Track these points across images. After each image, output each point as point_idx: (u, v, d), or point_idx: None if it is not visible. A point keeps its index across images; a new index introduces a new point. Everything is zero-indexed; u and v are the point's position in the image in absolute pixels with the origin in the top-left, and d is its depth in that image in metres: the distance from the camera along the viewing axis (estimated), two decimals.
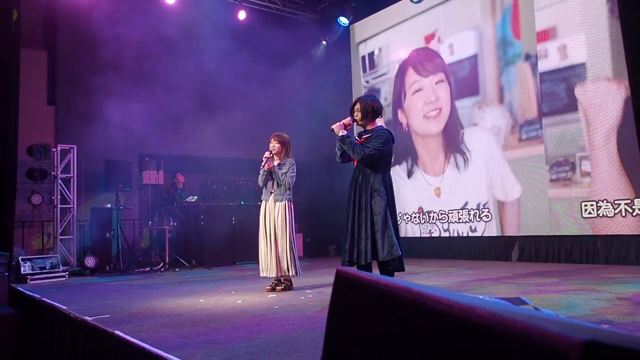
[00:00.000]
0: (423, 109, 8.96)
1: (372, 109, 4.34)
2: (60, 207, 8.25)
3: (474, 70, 8.17)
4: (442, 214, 8.51)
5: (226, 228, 9.09)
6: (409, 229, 9.01)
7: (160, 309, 4.20)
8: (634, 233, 6.25)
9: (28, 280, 6.95)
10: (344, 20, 10.31)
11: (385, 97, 9.67)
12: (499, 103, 7.79)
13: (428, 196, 8.78)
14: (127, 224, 8.79)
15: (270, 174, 5.20)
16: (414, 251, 8.51)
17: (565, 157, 6.98)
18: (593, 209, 6.61)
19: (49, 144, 8.18)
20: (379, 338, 0.89)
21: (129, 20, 8.22)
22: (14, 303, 5.37)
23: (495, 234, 7.78)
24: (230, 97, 9.55)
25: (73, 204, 8.35)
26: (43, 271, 7.20)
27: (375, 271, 4.21)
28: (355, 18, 10.30)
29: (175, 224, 8.65)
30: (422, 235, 8.84)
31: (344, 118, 4.45)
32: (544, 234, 7.17)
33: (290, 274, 5.10)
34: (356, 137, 4.46)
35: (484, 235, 7.91)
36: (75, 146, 8.39)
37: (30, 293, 5.34)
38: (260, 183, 5.28)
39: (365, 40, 10.29)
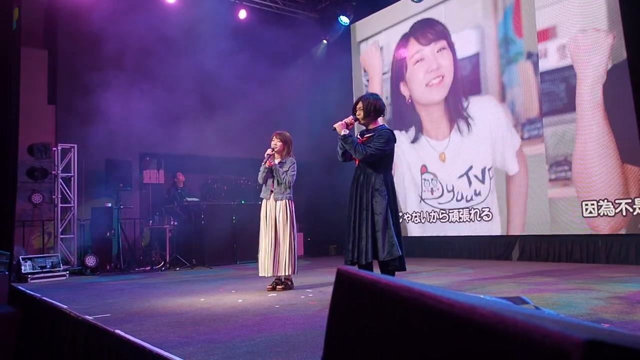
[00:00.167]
0: (425, 77, 8.94)
1: (374, 108, 4.34)
2: (61, 206, 8.26)
3: (475, 68, 8.16)
4: (442, 213, 8.50)
5: (227, 227, 9.09)
6: (410, 228, 9.00)
7: (161, 308, 4.21)
8: (635, 232, 6.25)
9: (29, 280, 6.96)
10: (344, 20, 10.30)
11: (387, 96, 9.66)
12: (501, 101, 7.79)
13: (433, 160, 8.76)
14: (127, 223, 8.79)
15: (271, 172, 5.20)
16: (415, 250, 8.51)
17: (564, 156, 6.98)
18: (594, 208, 6.61)
19: (50, 143, 8.19)
20: (379, 337, 0.89)
21: (130, 20, 8.22)
22: (15, 302, 5.38)
23: (495, 234, 7.77)
24: (231, 97, 9.55)
25: (74, 203, 8.36)
26: (43, 270, 7.21)
27: (376, 270, 4.21)
28: (356, 17, 10.29)
29: (175, 223, 8.65)
30: (423, 235, 8.84)
31: (345, 117, 4.44)
32: (545, 234, 7.16)
33: (288, 273, 5.10)
34: (358, 136, 4.46)
35: (485, 234, 7.91)
36: (75, 145, 8.40)
37: (31, 292, 5.35)
38: (260, 180, 5.27)
39: (366, 39, 10.28)
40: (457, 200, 8.28)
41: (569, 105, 6.94)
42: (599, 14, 6.63)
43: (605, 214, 6.49)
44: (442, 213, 8.52)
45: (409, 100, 9.22)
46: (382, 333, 0.89)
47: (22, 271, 7.03)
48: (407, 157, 9.18)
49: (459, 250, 8.27)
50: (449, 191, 8.44)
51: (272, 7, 10.45)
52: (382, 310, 0.90)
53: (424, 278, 5.78)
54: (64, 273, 7.41)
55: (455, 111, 8.42)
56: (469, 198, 8.14)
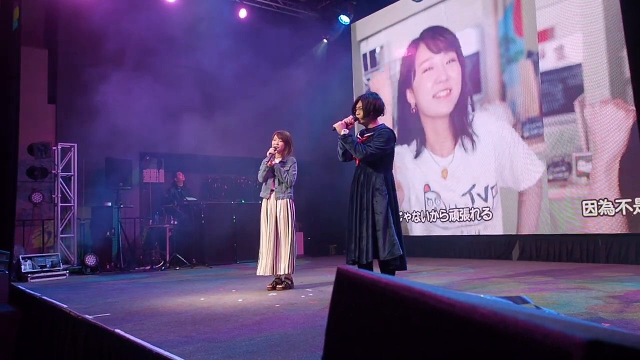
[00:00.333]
0: (433, 88, 8.86)
1: (374, 107, 4.34)
2: (61, 206, 8.26)
3: (475, 67, 8.16)
4: (442, 212, 8.50)
5: (227, 227, 9.09)
6: (412, 228, 9.00)
7: (161, 307, 4.21)
8: (635, 232, 6.25)
9: (28, 279, 6.96)
10: (345, 19, 10.30)
11: (390, 95, 9.67)
12: (501, 100, 7.78)
13: (435, 176, 8.73)
14: (127, 222, 8.79)
15: (272, 171, 5.20)
16: (415, 250, 8.51)
17: (562, 157, 6.99)
18: (594, 208, 6.61)
19: (50, 142, 8.19)
20: (380, 337, 0.89)
21: (130, 19, 8.21)
22: (15, 301, 5.37)
23: (495, 233, 7.77)
24: (231, 96, 9.55)
25: (73, 203, 8.36)
26: (43, 270, 7.21)
27: (377, 270, 4.21)
28: (356, 16, 10.29)
29: (175, 222, 8.65)
30: (424, 235, 8.84)
31: (346, 117, 4.44)
32: (545, 233, 7.16)
33: (286, 272, 5.10)
34: (358, 136, 4.46)
35: (485, 234, 7.91)
36: (75, 144, 8.40)
37: (31, 291, 5.35)
38: (260, 178, 5.27)
39: (366, 38, 10.28)
40: (460, 218, 8.28)
41: (566, 105, 6.95)
42: (598, 14, 6.62)
43: (605, 213, 6.49)
44: (442, 212, 8.52)
45: (414, 109, 9.18)
46: (382, 332, 0.89)
47: (22, 270, 7.03)
48: (409, 172, 9.15)
49: (459, 250, 8.27)
50: (451, 209, 8.42)
51: (273, 6, 10.44)
52: (382, 310, 0.90)
53: (425, 277, 5.78)
54: (64, 272, 7.41)
55: (460, 126, 8.38)
56: (465, 233, 8.19)
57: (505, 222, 7.64)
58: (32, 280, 6.93)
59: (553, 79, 7.11)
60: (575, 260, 6.76)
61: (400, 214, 8.86)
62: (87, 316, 3.65)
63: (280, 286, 5.07)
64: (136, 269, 8.27)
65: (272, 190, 5.21)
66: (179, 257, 8.42)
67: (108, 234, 8.43)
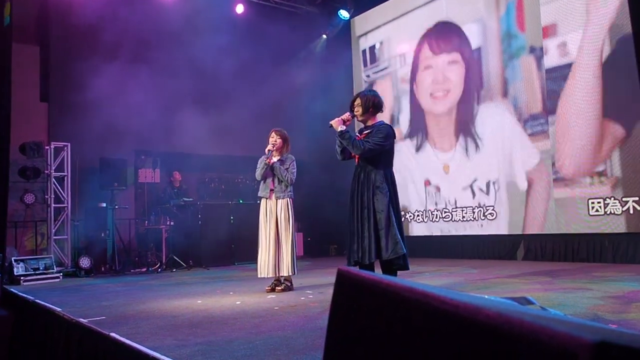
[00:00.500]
0: (430, 87, 8.89)
1: (372, 104, 4.35)
2: (54, 207, 8.25)
3: (477, 63, 8.16)
4: (445, 212, 8.50)
5: (224, 227, 9.09)
6: (413, 228, 9.00)
7: (157, 310, 4.20)
8: None
9: (21, 282, 6.95)
10: (344, 14, 10.29)
11: (390, 91, 9.66)
12: (503, 97, 7.78)
13: (436, 171, 8.74)
14: (122, 223, 8.78)
15: (271, 170, 5.19)
16: (418, 250, 8.50)
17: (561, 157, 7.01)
18: (600, 207, 6.61)
19: (42, 141, 8.18)
20: (381, 339, 0.89)
21: (124, 15, 8.21)
22: (7, 305, 5.37)
23: (499, 233, 7.77)
24: (229, 93, 9.54)
25: (67, 203, 8.35)
26: (36, 272, 7.20)
27: (378, 270, 4.21)
28: (355, 11, 10.29)
29: (172, 223, 8.65)
30: (426, 234, 8.84)
31: (344, 114, 4.45)
32: (550, 232, 7.16)
33: (289, 273, 5.10)
34: (357, 134, 4.47)
35: (489, 233, 7.91)
36: (69, 144, 8.38)
37: (24, 295, 5.34)
38: (259, 177, 5.25)
39: (365, 34, 10.27)
40: (463, 217, 8.29)
41: (566, 103, 6.96)
42: (604, 9, 6.62)
43: (612, 212, 6.49)
44: (445, 212, 8.52)
45: (418, 103, 9.18)
46: (384, 334, 0.88)
47: (15, 273, 7.02)
48: (410, 166, 9.14)
49: (462, 250, 8.27)
50: (451, 204, 8.43)
51: (270, 1, 10.44)
52: (384, 311, 0.90)
53: (427, 278, 5.78)
54: (58, 275, 7.40)
55: (463, 123, 8.37)
56: (468, 233, 8.21)
57: (510, 222, 7.64)
58: (25, 283, 6.93)
59: (558, 76, 7.11)
60: (582, 260, 6.76)
61: (402, 213, 8.96)
62: (81, 320, 3.65)
63: (280, 288, 5.07)
64: (131, 271, 8.26)
65: (271, 190, 5.20)
66: (176, 258, 8.42)
67: (103, 235, 8.42)
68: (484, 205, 7.95)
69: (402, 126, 9.36)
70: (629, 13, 6.20)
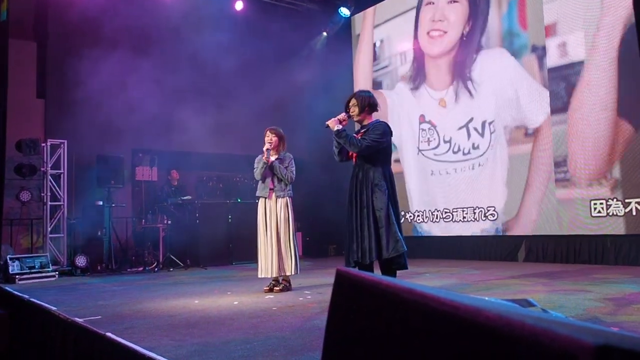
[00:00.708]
0: (428, 24, 8.82)
1: (368, 103, 4.40)
2: (50, 205, 8.24)
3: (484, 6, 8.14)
4: (446, 212, 8.50)
5: (222, 227, 9.09)
6: (413, 228, 9.00)
7: (154, 310, 4.20)
8: None
9: (17, 280, 6.95)
10: (345, 11, 10.28)
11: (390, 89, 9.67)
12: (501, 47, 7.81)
13: (432, 107, 8.73)
14: (119, 222, 8.78)
15: (270, 169, 5.19)
16: (418, 251, 8.50)
17: (563, 157, 7.00)
18: (602, 208, 6.61)
19: (39, 138, 8.16)
20: (380, 340, 0.89)
21: (122, 11, 8.20)
22: (3, 304, 5.37)
23: (501, 233, 7.78)
24: (227, 91, 9.54)
25: (63, 201, 8.35)
26: (32, 271, 7.20)
27: (376, 270, 4.21)
28: (356, 9, 10.28)
29: (169, 222, 8.64)
30: (426, 235, 8.83)
31: (340, 114, 4.48)
32: (552, 234, 7.16)
33: (292, 273, 5.11)
34: (354, 135, 4.48)
35: (490, 234, 7.91)
36: (65, 141, 8.37)
37: (19, 293, 5.34)
38: (258, 176, 5.24)
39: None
40: (454, 152, 8.29)
41: (570, 104, 6.96)
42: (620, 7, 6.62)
43: (615, 213, 6.50)
44: (445, 212, 8.52)
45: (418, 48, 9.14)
46: (383, 335, 0.88)
47: (10, 272, 7.02)
48: (405, 104, 9.15)
49: (464, 251, 8.27)
50: (445, 142, 8.43)
51: None
52: (383, 312, 0.90)
53: (428, 279, 5.78)
54: (53, 274, 7.40)
55: (459, 70, 8.33)
56: (466, 151, 8.18)
57: (511, 223, 7.63)
58: (20, 282, 6.92)
59: (560, 76, 7.11)
60: (584, 262, 6.76)
61: (402, 214, 8.97)
62: (76, 319, 3.65)
63: (278, 288, 5.08)
64: (128, 270, 8.26)
65: (271, 189, 5.20)
66: (173, 258, 8.41)
67: (99, 233, 8.42)
68: (486, 206, 7.93)
69: (402, 127, 9.36)
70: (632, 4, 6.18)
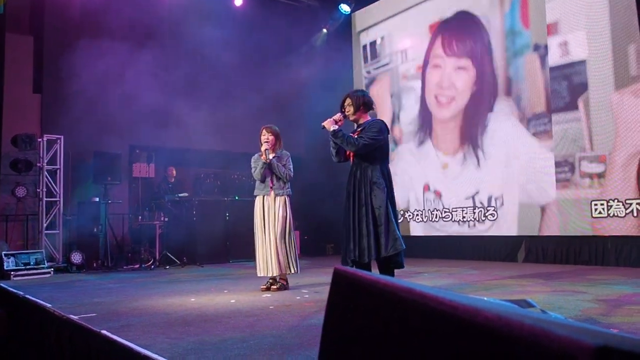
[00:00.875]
0: (435, 89, 8.80)
1: (362, 102, 4.42)
2: (46, 200, 8.23)
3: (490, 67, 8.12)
4: (445, 212, 8.51)
5: (219, 224, 9.08)
6: (412, 228, 9.01)
7: (150, 308, 4.20)
8: None
9: (11, 277, 6.94)
10: (345, 8, 10.28)
11: (390, 88, 9.66)
12: (507, 95, 7.78)
13: (436, 174, 8.70)
14: (115, 218, 8.77)
15: (269, 167, 5.19)
16: (416, 251, 8.50)
17: (566, 156, 7.00)
18: (603, 209, 6.62)
19: (35, 134, 8.16)
20: (378, 339, 0.89)
21: (119, 6, 8.18)
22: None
23: (500, 234, 7.78)
24: (226, 88, 9.53)
25: (59, 197, 8.34)
26: (27, 267, 7.20)
27: (374, 269, 4.22)
28: (357, 6, 10.27)
29: (166, 219, 8.64)
30: (425, 235, 8.84)
31: (336, 114, 4.50)
32: (552, 234, 7.17)
33: (292, 271, 5.11)
34: (350, 134, 4.49)
35: (489, 234, 7.91)
36: (62, 136, 8.37)
37: (14, 290, 5.34)
38: (258, 177, 5.23)
39: (366, 29, 10.26)
40: (463, 217, 8.28)
41: (572, 103, 6.96)
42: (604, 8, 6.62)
43: (616, 214, 6.50)
44: (445, 212, 8.52)
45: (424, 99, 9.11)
46: (380, 334, 0.88)
47: (5, 268, 7.02)
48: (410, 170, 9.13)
49: (463, 251, 8.27)
50: (454, 209, 8.40)
51: None
52: (381, 312, 0.90)
53: (426, 279, 5.79)
54: (49, 270, 7.39)
55: (468, 134, 8.30)
56: (468, 233, 8.19)
57: (511, 223, 7.64)
58: (15, 278, 6.92)
59: (562, 74, 7.11)
60: (584, 263, 6.77)
61: (401, 212, 8.98)
62: (72, 316, 3.64)
63: (275, 287, 5.07)
64: (124, 267, 8.26)
65: (271, 188, 5.20)
66: (169, 255, 8.41)
67: (95, 230, 8.41)
68: (485, 206, 7.94)
69: (403, 124, 9.36)
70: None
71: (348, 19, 10.59)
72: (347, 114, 4.45)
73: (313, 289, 5.06)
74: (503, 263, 7.44)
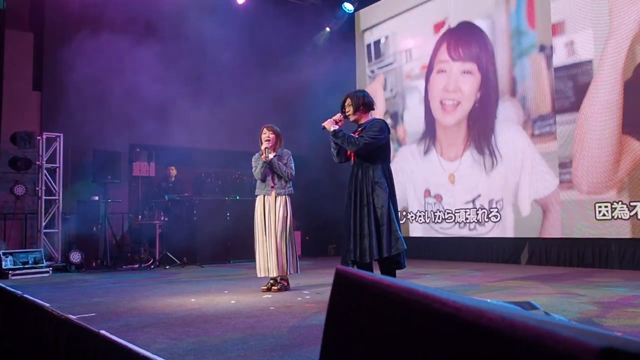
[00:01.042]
0: (441, 94, 8.79)
1: (363, 102, 4.42)
2: (45, 199, 8.24)
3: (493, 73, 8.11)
4: (448, 213, 8.50)
5: (220, 224, 9.08)
6: (414, 229, 9.00)
7: (149, 308, 4.21)
8: None
9: (9, 276, 6.95)
10: (348, 7, 10.28)
11: (392, 87, 9.65)
12: (512, 96, 7.77)
13: (439, 181, 8.69)
14: (115, 217, 8.78)
15: (270, 166, 5.19)
16: (419, 252, 8.51)
17: (570, 159, 7.00)
18: (607, 211, 6.61)
19: (34, 131, 8.17)
20: (380, 340, 0.89)
21: (122, 2, 8.18)
22: None
23: (504, 235, 7.77)
24: (227, 86, 9.53)
25: (58, 196, 8.35)
26: (25, 266, 7.20)
27: (376, 269, 4.21)
28: (360, 4, 10.27)
29: (166, 218, 8.65)
30: (428, 236, 8.83)
31: (336, 114, 4.51)
32: (555, 237, 7.16)
33: (292, 272, 5.11)
34: (351, 134, 4.49)
35: (492, 236, 7.91)
36: (61, 134, 8.37)
37: (12, 289, 5.34)
38: (259, 176, 5.24)
39: (370, 28, 10.26)
40: (466, 219, 8.27)
41: (577, 103, 6.95)
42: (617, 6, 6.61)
43: (620, 216, 6.49)
44: (447, 213, 8.52)
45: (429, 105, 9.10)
46: (383, 335, 0.88)
47: (3, 267, 7.02)
48: (413, 175, 9.12)
49: (466, 253, 8.26)
50: (457, 210, 8.40)
51: None
52: (383, 312, 0.90)
53: (428, 280, 5.79)
54: (47, 269, 7.40)
55: (473, 137, 8.28)
56: (472, 235, 8.18)
57: (514, 225, 7.63)
58: (13, 277, 6.93)
59: (567, 75, 7.10)
60: (587, 265, 6.76)
61: (403, 213, 8.97)
62: (70, 316, 3.64)
63: (276, 287, 5.08)
64: (123, 267, 8.26)
65: (272, 187, 5.20)
66: (169, 255, 8.42)
67: (94, 229, 8.42)
68: (488, 207, 7.94)
69: (406, 124, 9.35)
70: None
71: (352, 18, 10.59)
72: (347, 114, 4.45)
73: (314, 290, 5.06)
74: (506, 265, 7.44)
